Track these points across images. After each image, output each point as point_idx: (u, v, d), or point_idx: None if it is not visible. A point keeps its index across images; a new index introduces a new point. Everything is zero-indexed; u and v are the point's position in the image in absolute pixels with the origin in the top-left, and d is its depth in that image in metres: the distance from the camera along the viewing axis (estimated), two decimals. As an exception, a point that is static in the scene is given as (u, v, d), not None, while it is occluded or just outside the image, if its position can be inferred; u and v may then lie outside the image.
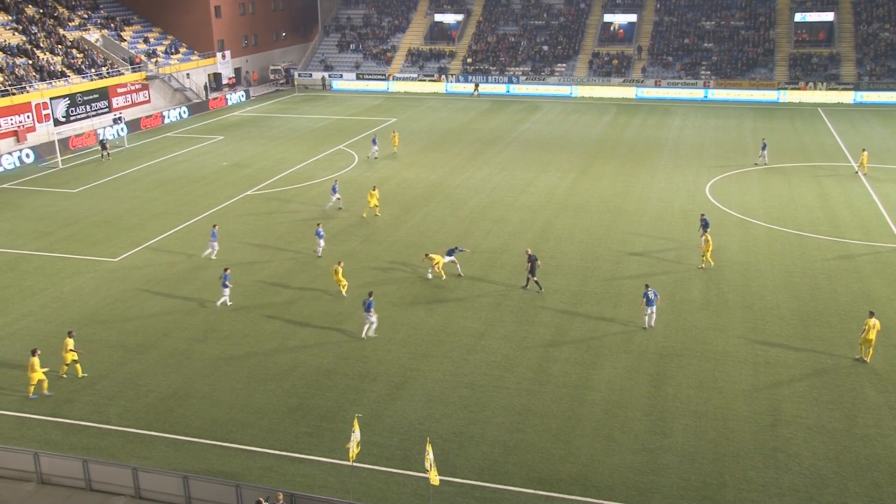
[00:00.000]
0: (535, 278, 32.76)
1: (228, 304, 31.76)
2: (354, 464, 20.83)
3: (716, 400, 24.60)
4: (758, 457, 21.79)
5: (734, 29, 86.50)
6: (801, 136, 62.35)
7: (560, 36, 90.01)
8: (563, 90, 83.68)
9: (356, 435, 19.72)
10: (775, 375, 26.00)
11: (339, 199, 43.86)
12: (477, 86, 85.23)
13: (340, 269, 32.58)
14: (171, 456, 22.27)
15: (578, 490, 20.62)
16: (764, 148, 53.52)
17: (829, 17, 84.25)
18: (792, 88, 79.31)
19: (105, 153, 57.41)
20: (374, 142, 57.47)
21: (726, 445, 22.32)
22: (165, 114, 71.89)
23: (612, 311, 30.94)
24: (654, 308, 29.25)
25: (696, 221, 39.34)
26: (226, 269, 32.00)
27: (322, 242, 36.88)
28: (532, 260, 32.51)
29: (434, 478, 19.10)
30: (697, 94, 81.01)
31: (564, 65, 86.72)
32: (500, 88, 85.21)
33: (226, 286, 31.55)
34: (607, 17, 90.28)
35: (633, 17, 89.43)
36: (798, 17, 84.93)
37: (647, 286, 29.82)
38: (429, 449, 19.08)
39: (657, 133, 64.36)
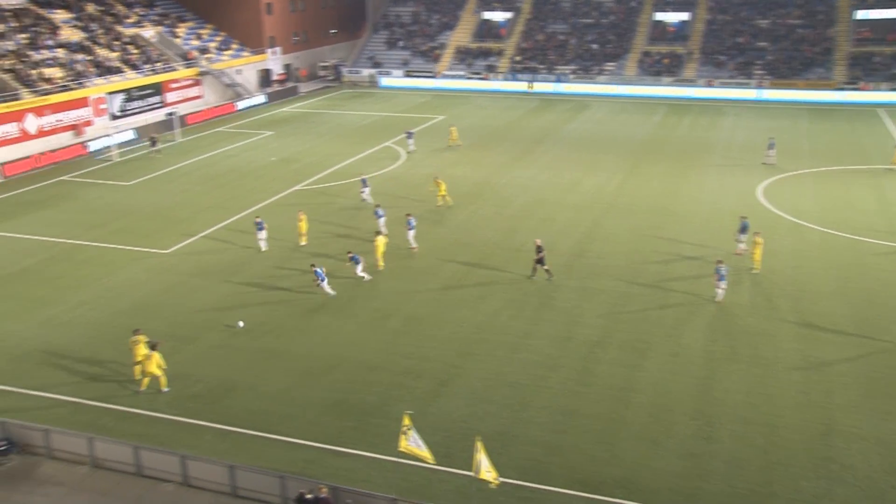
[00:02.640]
0: (546, 267, 33.64)
1: (364, 277, 33.61)
2: (398, 459, 20.90)
3: (765, 407, 24.14)
4: (809, 466, 21.31)
5: (790, 27, 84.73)
6: (859, 138, 60.79)
7: (610, 34, 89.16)
8: (612, 89, 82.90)
9: (415, 438, 19.56)
10: (827, 384, 25.40)
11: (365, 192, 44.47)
12: (531, 83, 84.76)
13: (305, 218, 38.30)
14: (218, 445, 22.60)
15: (622, 493, 20.40)
16: (771, 147, 52.98)
17: (893, 13, 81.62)
18: (851, 89, 77.37)
19: (154, 149, 58.43)
20: (409, 136, 58.14)
21: (776, 453, 21.88)
22: (216, 109, 72.96)
23: (659, 314, 30.56)
24: (725, 283, 30.99)
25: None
26: (349, 252, 34.21)
27: (411, 234, 37.48)
28: (540, 250, 33.53)
29: (490, 477, 18.79)
30: (750, 94, 79.43)
31: (614, 63, 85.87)
32: (548, 87, 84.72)
33: (357, 262, 33.38)
34: (658, 16, 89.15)
35: (685, 16, 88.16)
36: (860, 14, 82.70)
37: (719, 262, 31.61)
38: (479, 447, 18.80)
39: (708, 134, 63.37)
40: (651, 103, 77.73)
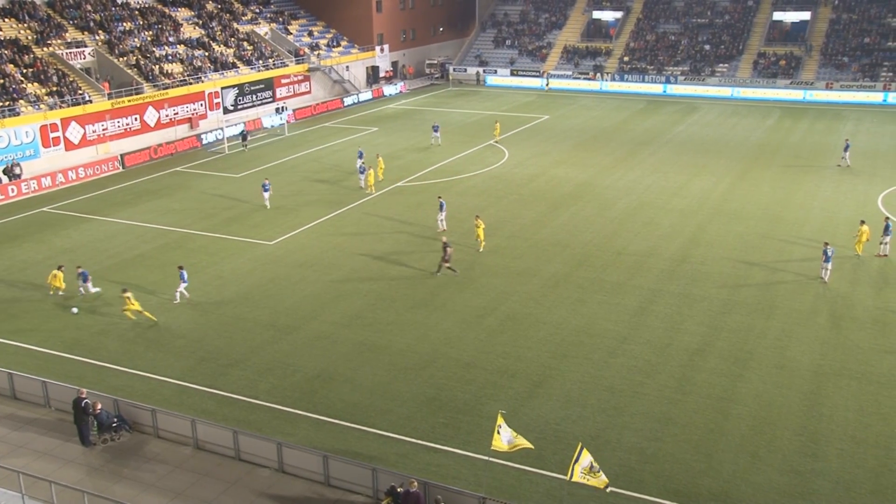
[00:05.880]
0: (449, 265, 33.90)
1: (187, 296, 32.30)
2: (490, 458, 20.87)
3: (878, 427, 22.90)
4: (922, 491, 20.11)
5: (922, 27, 79.95)
6: None
7: (724, 35, 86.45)
8: (723, 91, 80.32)
9: (505, 431, 19.50)
10: (947, 405, 23.90)
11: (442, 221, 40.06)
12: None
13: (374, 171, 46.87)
14: (313, 435, 23.12)
15: (718, 507, 19.77)
16: (846, 149, 51.57)
17: None
18: None
19: (244, 144, 59.97)
20: (434, 129, 59.79)
21: (890, 477, 20.72)
22: (323, 104, 74.71)
23: (764, 323, 29.43)
24: (830, 265, 32.51)
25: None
26: (180, 267, 32.71)
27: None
28: (445, 247, 33.99)
29: (597, 482, 18.52)
30: (875, 97, 75.38)
31: (726, 65, 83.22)
32: (656, 88, 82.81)
33: (184, 281, 32.15)
34: (777, 16, 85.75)
35: (805, 15, 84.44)
36: None
37: (826, 244, 33.22)
38: (585, 453, 18.43)
39: (825, 139, 60.59)
40: (764, 106, 74.95)
